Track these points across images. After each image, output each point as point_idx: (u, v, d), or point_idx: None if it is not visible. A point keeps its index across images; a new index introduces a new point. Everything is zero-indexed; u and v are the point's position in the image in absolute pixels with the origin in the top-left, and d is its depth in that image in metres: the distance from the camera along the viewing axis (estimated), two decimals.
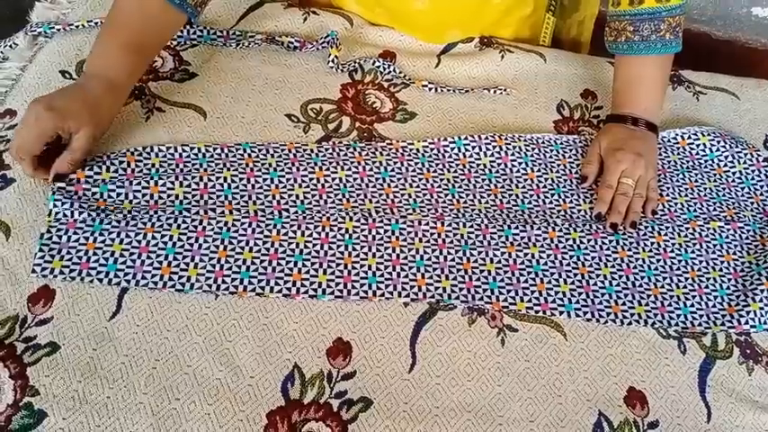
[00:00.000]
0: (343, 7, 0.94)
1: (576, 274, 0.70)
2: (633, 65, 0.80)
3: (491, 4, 0.90)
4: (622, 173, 0.75)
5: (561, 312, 0.67)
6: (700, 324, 0.68)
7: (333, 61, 0.83)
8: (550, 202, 0.76)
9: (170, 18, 0.72)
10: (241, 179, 0.70)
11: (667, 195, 0.79)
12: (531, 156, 0.79)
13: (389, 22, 0.92)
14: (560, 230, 0.72)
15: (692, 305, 0.70)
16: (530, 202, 0.76)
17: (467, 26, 0.92)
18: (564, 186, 0.78)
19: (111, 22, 0.69)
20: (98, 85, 0.67)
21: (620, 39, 0.79)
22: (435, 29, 0.91)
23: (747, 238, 0.76)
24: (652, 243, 0.74)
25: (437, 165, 0.76)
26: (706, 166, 0.83)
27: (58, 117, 0.63)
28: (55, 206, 0.64)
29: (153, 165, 0.70)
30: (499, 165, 0.78)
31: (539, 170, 0.78)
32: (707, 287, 0.72)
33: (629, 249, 0.73)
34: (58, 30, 0.80)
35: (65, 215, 0.64)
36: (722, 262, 0.74)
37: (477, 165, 0.77)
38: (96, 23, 0.80)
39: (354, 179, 0.73)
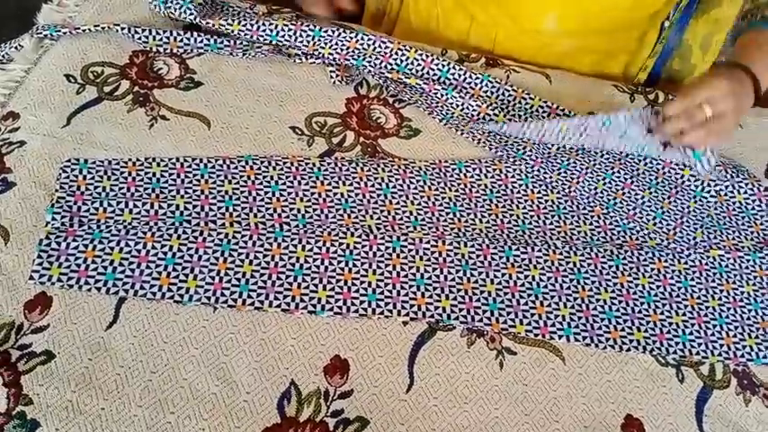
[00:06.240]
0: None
1: (575, 298, 0.70)
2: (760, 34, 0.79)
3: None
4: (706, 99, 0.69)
5: (560, 336, 0.67)
6: (698, 353, 0.68)
7: (334, 74, 0.82)
8: (551, 224, 0.76)
9: None
10: (242, 191, 0.70)
11: (668, 223, 0.79)
12: (532, 177, 0.79)
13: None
14: (560, 253, 0.72)
15: (691, 333, 0.70)
16: (530, 223, 0.75)
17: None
18: (564, 208, 0.77)
19: None
20: None
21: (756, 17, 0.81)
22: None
23: (747, 267, 0.76)
24: (652, 269, 0.74)
25: (439, 183, 0.76)
26: (706, 195, 0.83)
27: None
28: (54, 219, 0.63)
29: (154, 174, 0.69)
30: (500, 185, 0.78)
31: (539, 191, 0.78)
32: (705, 315, 0.72)
33: (629, 275, 0.73)
34: (65, 33, 0.79)
35: (63, 224, 0.63)
36: (721, 291, 0.74)
37: (479, 185, 0.77)
38: (103, 28, 0.80)
39: (356, 194, 0.73)
